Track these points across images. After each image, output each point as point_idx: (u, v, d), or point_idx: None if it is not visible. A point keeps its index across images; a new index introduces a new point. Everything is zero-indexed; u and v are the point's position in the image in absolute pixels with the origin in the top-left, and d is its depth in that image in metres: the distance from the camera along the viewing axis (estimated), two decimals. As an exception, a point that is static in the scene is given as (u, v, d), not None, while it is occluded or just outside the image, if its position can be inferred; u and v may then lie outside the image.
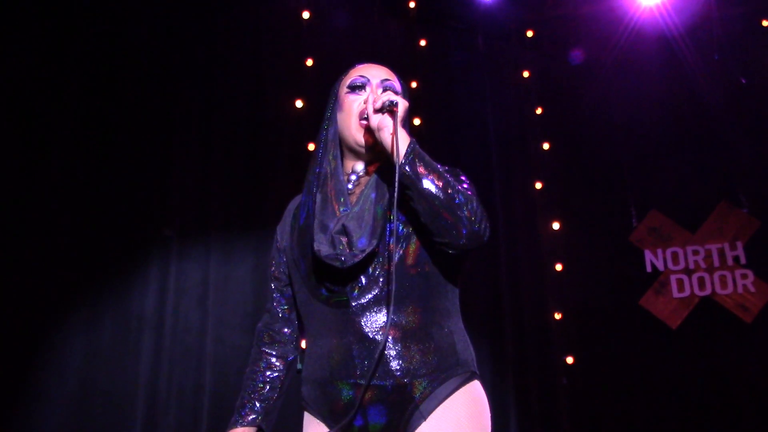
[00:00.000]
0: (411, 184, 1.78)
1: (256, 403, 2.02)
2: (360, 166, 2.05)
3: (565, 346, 5.42)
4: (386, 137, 1.85)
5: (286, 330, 2.11)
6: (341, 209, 1.94)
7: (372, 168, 2.04)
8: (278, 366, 2.07)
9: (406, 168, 1.78)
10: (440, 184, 1.79)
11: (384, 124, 1.86)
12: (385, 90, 2.03)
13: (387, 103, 1.87)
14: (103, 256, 4.52)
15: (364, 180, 2.02)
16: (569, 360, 5.37)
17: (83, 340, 4.39)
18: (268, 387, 2.04)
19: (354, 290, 1.84)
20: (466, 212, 1.78)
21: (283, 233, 2.11)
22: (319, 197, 1.96)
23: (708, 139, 5.60)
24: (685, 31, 5.44)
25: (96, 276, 4.50)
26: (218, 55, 5.14)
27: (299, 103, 5.09)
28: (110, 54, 4.84)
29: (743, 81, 5.37)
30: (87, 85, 4.72)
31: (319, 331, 1.91)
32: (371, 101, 1.92)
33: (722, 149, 5.54)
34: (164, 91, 4.92)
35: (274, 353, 2.08)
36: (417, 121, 5.32)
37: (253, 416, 2.01)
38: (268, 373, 2.06)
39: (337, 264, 1.81)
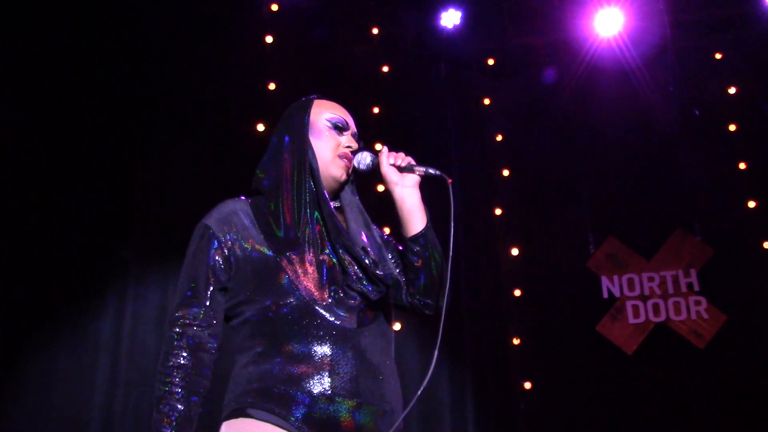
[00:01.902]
0: (431, 246, 2.00)
1: (184, 410, 1.83)
2: None
3: (523, 371, 5.47)
4: (408, 195, 2.03)
5: (214, 340, 1.93)
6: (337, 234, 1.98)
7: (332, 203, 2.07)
8: (206, 375, 1.90)
9: (431, 232, 2.01)
10: (440, 251, 2.03)
11: (406, 184, 2.04)
12: (357, 142, 2.12)
13: (424, 172, 2.03)
14: (60, 277, 4.47)
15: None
16: (527, 385, 5.42)
17: (38, 363, 4.33)
18: (195, 397, 1.85)
19: (361, 312, 1.91)
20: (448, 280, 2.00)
21: (237, 236, 1.98)
22: (326, 214, 1.97)
23: (663, 169, 5.71)
24: (642, 63, 5.56)
25: (52, 298, 4.45)
26: (181, 78, 5.14)
27: (261, 127, 5.10)
28: (74, 73, 4.81)
29: (696, 113, 5.49)
30: (44, 104, 4.68)
31: (302, 346, 1.84)
32: (392, 155, 2.05)
33: (677, 179, 5.64)
34: (126, 113, 4.91)
35: (204, 361, 1.89)
36: (378, 146, 5.35)
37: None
38: (200, 382, 1.88)
39: (387, 281, 1.93)
